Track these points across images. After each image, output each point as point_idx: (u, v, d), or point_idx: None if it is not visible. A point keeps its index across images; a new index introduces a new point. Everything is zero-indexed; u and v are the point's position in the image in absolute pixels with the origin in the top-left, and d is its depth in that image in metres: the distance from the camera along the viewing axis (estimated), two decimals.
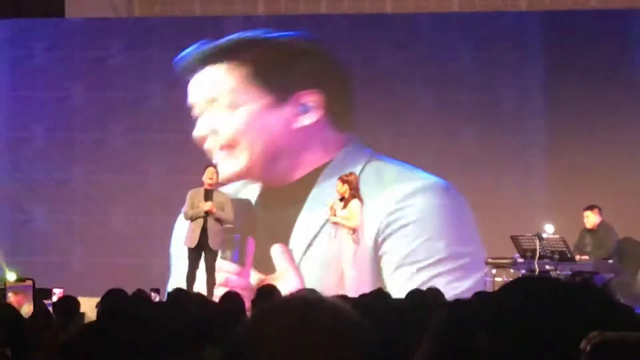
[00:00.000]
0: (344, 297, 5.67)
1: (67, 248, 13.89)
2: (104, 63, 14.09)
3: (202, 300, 6.56)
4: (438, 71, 13.51)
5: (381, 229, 12.85)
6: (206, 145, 13.32)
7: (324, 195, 12.53)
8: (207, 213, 11.30)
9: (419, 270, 12.70)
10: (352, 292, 9.64)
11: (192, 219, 11.42)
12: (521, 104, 13.49)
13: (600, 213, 11.72)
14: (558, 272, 11.00)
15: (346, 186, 11.80)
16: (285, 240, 13.14)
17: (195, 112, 13.45)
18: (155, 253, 13.45)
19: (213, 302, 6.66)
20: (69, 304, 6.54)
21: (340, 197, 11.86)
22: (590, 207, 11.80)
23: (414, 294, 6.50)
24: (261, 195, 13.40)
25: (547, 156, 13.31)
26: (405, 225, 12.87)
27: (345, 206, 11.75)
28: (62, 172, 14.06)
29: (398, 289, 9.92)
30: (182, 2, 14.55)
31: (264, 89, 13.13)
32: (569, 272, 10.92)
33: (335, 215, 11.71)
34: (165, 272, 13.37)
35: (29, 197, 14.02)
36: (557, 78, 13.37)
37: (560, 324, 1.59)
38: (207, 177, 11.52)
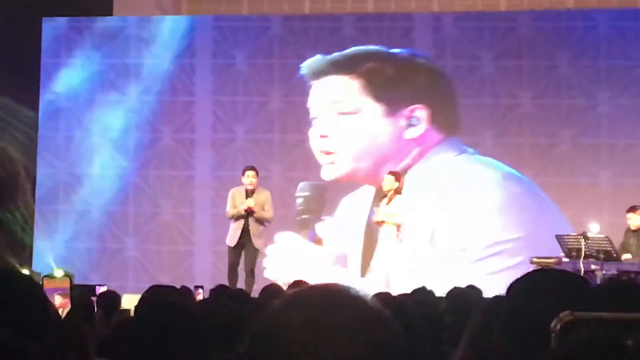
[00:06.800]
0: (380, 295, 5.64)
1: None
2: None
3: (243, 296, 6.60)
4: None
5: None
6: (313, 147, 13.83)
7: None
8: (248, 212, 11.43)
9: None
10: (398, 290, 9.59)
11: (234, 218, 11.58)
12: None
13: None
14: (604, 271, 10.89)
15: (397, 183, 11.62)
16: None
17: (312, 114, 13.90)
18: None
19: (254, 298, 6.69)
20: (109, 299, 6.60)
21: (383, 194, 11.71)
22: (633, 209, 11.73)
23: (455, 292, 6.48)
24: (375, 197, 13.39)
25: None
26: None
27: (389, 202, 11.68)
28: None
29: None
30: (230, 0, 14.61)
31: (376, 100, 13.64)
32: (615, 272, 10.81)
33: (379, 213, 11.61)
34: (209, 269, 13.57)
35: None
36: None
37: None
38: (247, 181, 11.61)
